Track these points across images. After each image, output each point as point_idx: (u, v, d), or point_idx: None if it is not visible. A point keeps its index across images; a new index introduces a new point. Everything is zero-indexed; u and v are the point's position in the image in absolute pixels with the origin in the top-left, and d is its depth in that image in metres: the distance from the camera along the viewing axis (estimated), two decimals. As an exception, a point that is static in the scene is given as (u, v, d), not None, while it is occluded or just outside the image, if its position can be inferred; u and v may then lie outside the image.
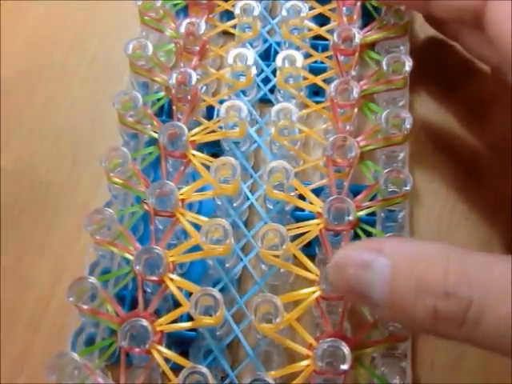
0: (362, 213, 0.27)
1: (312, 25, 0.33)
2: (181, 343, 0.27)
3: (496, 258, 0.21)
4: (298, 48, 0.32)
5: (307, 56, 0.32)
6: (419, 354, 0.28)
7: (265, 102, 0.33)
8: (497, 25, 0.26)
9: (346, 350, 0.24)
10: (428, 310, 0.20)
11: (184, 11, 0.34)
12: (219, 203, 0.29)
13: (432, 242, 0.22)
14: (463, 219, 0.31)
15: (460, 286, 0.20)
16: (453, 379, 0.28)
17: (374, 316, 0.25)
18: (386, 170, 0.27)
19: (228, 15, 0.34)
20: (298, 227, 0.27)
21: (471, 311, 0.20)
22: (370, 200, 0.28)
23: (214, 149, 0.32)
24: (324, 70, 0.33)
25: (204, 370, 0.24)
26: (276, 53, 0.32)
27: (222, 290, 0.27)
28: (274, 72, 0.32)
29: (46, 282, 0.30)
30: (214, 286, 0.27)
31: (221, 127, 0.30)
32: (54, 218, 0.31)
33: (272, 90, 0.33)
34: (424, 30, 0.35)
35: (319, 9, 0.33)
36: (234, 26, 0.33)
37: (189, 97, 0.30)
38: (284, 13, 0.32)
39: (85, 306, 0.26)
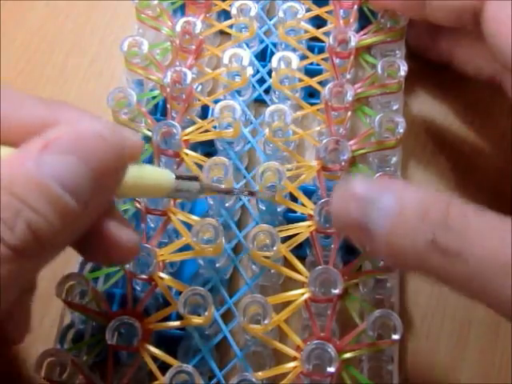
0: (353, 216, 0.27)
1: (308, 26, 0.33)
2: (169, 342, 0.27)
3: (496, 215, 0.22)
4: (294, 49, 0.32)
5: (303, 57, 0.32)
6: (419, 354, 0.28)
7: (260, 102, 0.33)
8: (494, 23, 0.26)
9: (333, 352, 0.24)
10: (427, 240, 0.21)
11: (181, 10, 0.34)
12: (211, 203, 0.29)
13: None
14: None
15: (459, 221, 0.21)
16: (453, 379, 0.28)
17: (367, 251, 0.25)
18: (377, 174, 0.27)
19: (225, 15, 0.34)
20: (290, 229, 0.27)
21: (464, 247, 0.21)
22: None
23: (208, 148, 0.32)
24: (319, 72, 0.33)
25: (191, 369, 0.24)
26: (272, 53, 0.32)
27: (211, 290, 0.27)
28: (269, 73, 0.32)
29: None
30: (204, 285, 0.27)
31: (215, 127, 0.30)
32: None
33: (267, 91, 0.33)
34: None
35: (316, 11, 0.33)
36: (231, 26, 0.33)
37: (183, 95, 0.30)
38: (281, 14, 0.32)
39: (74, 303, 0.26)
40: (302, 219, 0.28)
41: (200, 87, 0.33)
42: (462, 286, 0.22)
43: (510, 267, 0.20)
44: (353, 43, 0.31)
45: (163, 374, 0.24)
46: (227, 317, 0.28)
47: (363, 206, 0.22)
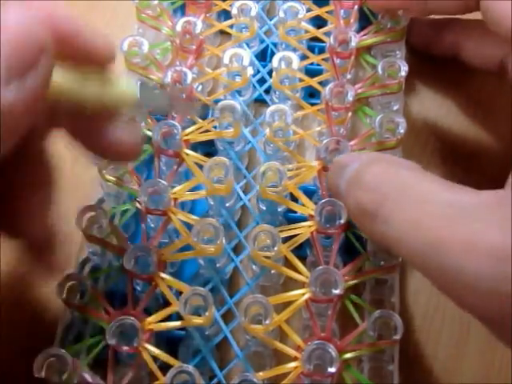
0: (353, 216, 0.27)
1: (309, 27, 0.33)
2: (170, 342, 0.27)
3: (439, 180, 0.23)
4: (294, 49, 0.32)
5: (304, 58, 0.32)
6: (419, 354, 0.28)
7: (260, 102, 0.33)
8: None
9: (333, 352, 0.24)
10: (356, 201, 0.24)
11: (181, 10, 0.34)
12: (212, 203, 0.29)
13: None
14: None
15: (382, 185, 0.23)
16: (453, 379, 0.28)
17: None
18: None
19: (225, 15, 0.34)
20: (290, 229, 0.27)
21: (384, 208, 0.23)
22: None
23: (208, 148, 0.32)
24: (320, 72, 0.33)
25: (191, 369, 0.24)
26: (273, 53, 0.32)
27: (212, 290, 0.27)
28: (270, 73, 0.32)
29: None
30: (204, 285, 0.27)
31: (215, 127, 0.30)
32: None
33: (267, 91, 0.33)
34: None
35: (316, 11, 0.33)
36: (231, 26, 0.33)
37: (184, 95, 0.30)
38: (281, 14, 0.32)
39: (74, 303, 0.26)
40: (303, 219, 0.28)
41: (200, 87, 0.33)
42: (383, 245, 0.24)
43: (420, 226, 0.21)
44: (353, 43, 0.31)
45: (164, 374, 0.24)
46: (228, 317, 0.27)
47: (340, 171, 0.26)
